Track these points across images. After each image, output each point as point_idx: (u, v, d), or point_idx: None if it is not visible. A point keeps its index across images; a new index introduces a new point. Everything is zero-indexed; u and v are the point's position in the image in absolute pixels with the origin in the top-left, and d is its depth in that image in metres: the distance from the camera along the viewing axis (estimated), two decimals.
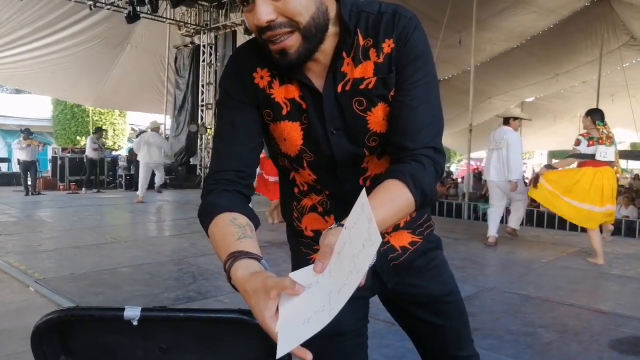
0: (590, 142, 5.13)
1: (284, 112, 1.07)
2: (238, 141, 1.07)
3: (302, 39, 0.94)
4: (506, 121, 6.10)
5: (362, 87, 1.02)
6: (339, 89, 1.03)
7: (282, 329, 0.74)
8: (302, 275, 0.79)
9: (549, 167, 5.77)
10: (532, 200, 7.22)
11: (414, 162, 0.98)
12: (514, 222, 6.22)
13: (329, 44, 1.01)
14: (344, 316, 1.13)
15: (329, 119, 1.05)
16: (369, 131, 1.05)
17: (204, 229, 1.00)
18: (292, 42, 0.94)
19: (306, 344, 1.16)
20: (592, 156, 5.13)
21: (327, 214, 1.18)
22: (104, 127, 17.49)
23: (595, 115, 5.29)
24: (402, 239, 1.20)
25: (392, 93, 1.03)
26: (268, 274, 0.78)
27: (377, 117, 1.04)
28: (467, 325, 1.30)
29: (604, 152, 5.08)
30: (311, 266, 0.78)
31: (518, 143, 5.97)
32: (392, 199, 0.93)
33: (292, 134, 1.08)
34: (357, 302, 1.17)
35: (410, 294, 1.24)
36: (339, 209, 1.15)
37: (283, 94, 1.06)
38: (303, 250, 1.24)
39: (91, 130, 15.05)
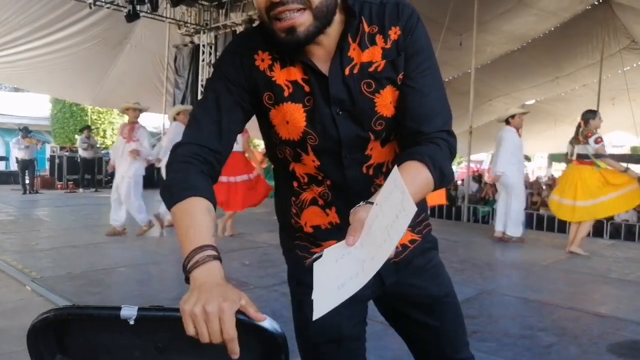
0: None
1: (286, 94, 1.06)
2: (221, 119, 1.06)
3: (313, 18, 0.96)
4: (507, 121, 6.36)
5: (371, 69, 1.05)
6: (347, 72, 1.05)
7: (318, 294, 0.82)
8: (335, 249, 0.88)
9: None
10: (532, 203, 7.24)
11: (430, 144, 1.02)
12: (512, 229, 6.30)
13: (333, 30, 1.03)
14: (345, 321, 1.15)
15: (335, 101, 1.05)
16: (376, 114, 1.07)
17: (167, 199, 0.97)
18: (303, 20, 0.96)
19: (310, 351, 1.18)
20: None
21: (328, 207, 1.16)
22: (93, 125, 17.50)
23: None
24: (403, 236, 1.19)
25: (400, 77, 1.06)
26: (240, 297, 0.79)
27: (384, 100, 1.06)
28: (464, 327, 1.29)
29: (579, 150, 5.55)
30: (343, 241, 0.85)
31: (509, 140, 6.23)
32: (413, 179, 0.95)
33: (295, 115, 1.07)
34: (357, 307, 1.18)
35: (408, 295, 1.23)
36: (341, 200, 1.13)
37: (285, 76, 1.06)
38: (299, 253, 1.21)
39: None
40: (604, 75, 11.50)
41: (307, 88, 1.05)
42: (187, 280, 0.85)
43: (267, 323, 0.78)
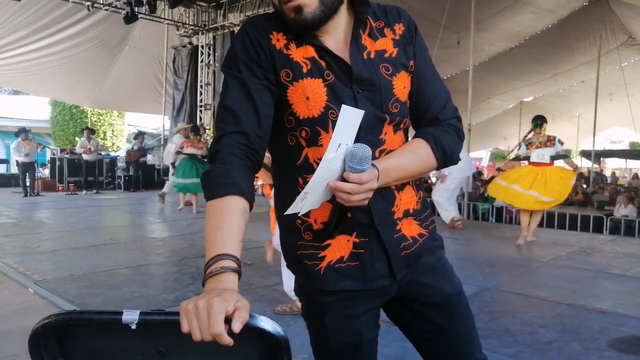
0: (529, 147, 6.07)
1: (305, 70, 1.08)
2: (255, 103, 1.06)
3: (319, 2, 1.04)
4: None
5: (386, 55, 1.13)
6: (365, 56, 1.11)
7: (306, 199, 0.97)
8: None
9: (499, 170, 6.74)
10: None
11: (440, 127, 1.16)
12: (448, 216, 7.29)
13: (341, 22, 1.11)
14: (364, 327, 1.18)
15: (357, 80, 1.09)
16: (394, 96, 1.12)
17: (207, 189, 0.99)
18: (309, 1, 1.02)
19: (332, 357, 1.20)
20: (529, 158, 6.07)
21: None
22: (95, 128, 17.44)
23: (535, 121, 6.10)
24: (412, 229, 1.18)
25: (411, 64, 1.16)
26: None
27: (400, 83, 1.13)
28: (476, 327, 1.28)
29: (541, 155, 5.96)
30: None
31: None
32: (414, 150, 1.12)
33: (316, 90, 1.07)
34: (373, 313, 1.20)
35: (423, 294, 1.21)
36: None
37: (302, 53, 1.09)
38: (308, 263, 1.15)
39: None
40: (601, 71, 11.51)
41: (324, 64, 1.08)
42: (207, 273, 0.89)
43: (270, 325, 0.78)
